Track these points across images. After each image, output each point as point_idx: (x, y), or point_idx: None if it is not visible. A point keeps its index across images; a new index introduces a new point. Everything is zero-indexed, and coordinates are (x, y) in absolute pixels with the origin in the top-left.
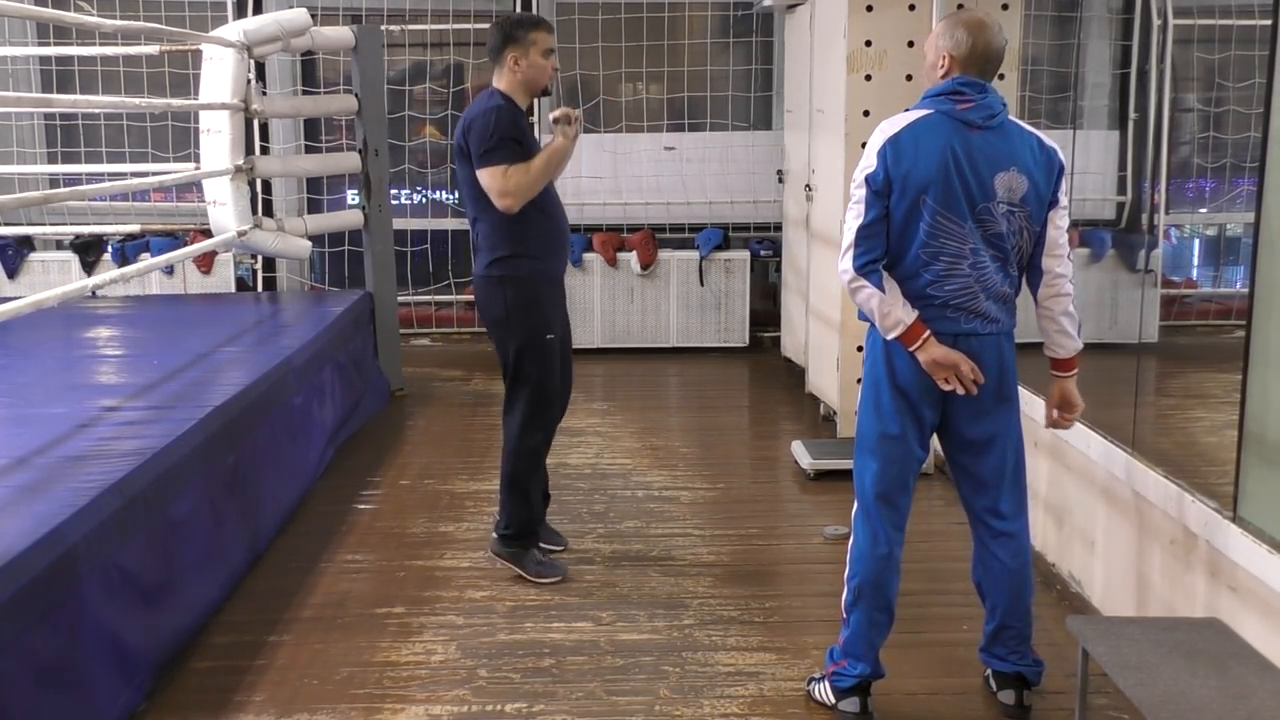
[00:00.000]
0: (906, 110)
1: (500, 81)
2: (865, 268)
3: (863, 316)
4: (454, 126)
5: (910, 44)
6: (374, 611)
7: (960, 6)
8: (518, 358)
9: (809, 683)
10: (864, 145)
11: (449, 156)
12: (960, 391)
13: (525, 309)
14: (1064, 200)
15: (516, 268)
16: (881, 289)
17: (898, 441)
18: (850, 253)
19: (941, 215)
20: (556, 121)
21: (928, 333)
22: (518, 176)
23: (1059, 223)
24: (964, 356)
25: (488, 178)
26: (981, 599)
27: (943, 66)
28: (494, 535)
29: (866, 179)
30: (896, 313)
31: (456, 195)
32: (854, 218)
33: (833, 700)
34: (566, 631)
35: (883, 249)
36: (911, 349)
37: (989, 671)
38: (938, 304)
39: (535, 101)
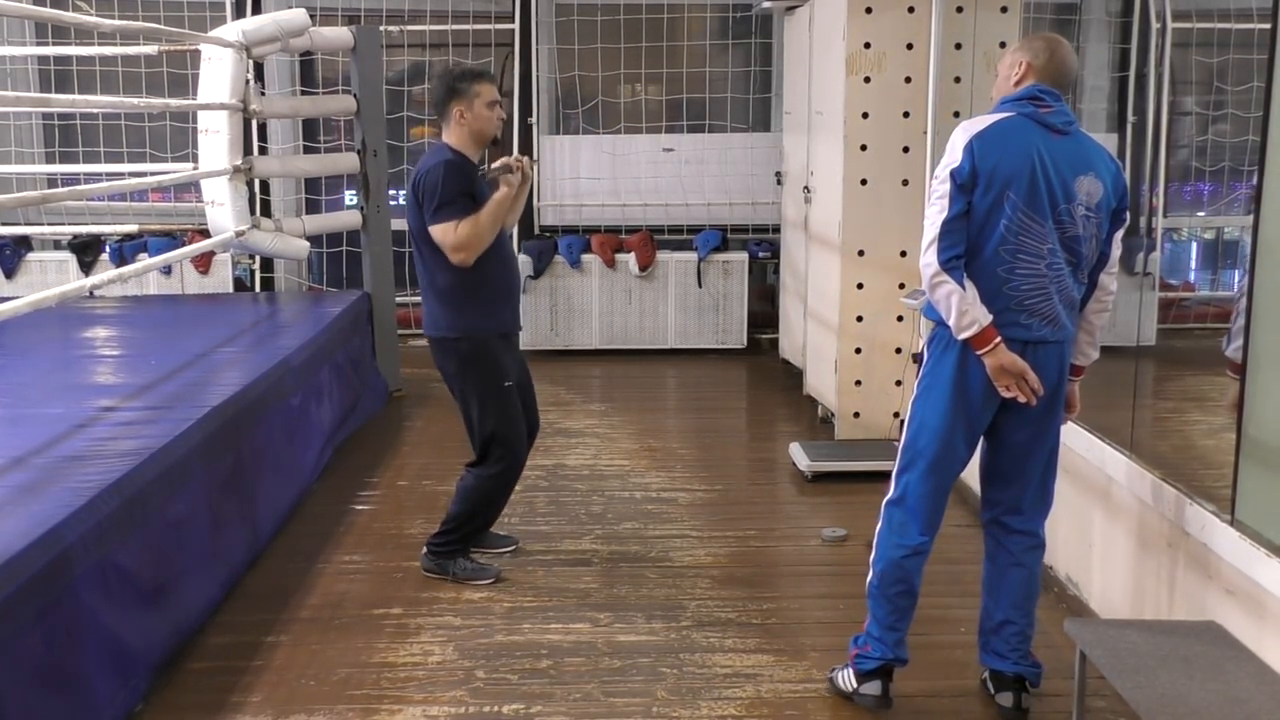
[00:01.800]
0: (987, 113)
1: (449, 135)
2: (949, 263)
3: (930, 314)
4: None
5: (909, 46)
6: (371, 612)
7: (960, 10)
8: (480, 410)
9: (831, 672)
10: (864, 148)
11: None
12: (1021, 399)
13: (479, 362)
14: (1128, 218)
15: (468, 325)
16: (963, 286)
17: (951, 443)
18: (934, 247)
19: (1023, 212)
20: (502, 170)
21: (999, 338)
22: (467, 230)
23: (1119, 241)
24: (1028, 366)
25: (440, 233)
26: (985, 595)
27: (1018, 72)
28: (424, 551)
29: (951, 174)
30: (974, 312)
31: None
32: (937, 212)
33: (854, 685)
34: (564, 633)
35: (964, 245)
36: (981, 352)
37: (986, 674)
38: (1013, 305)
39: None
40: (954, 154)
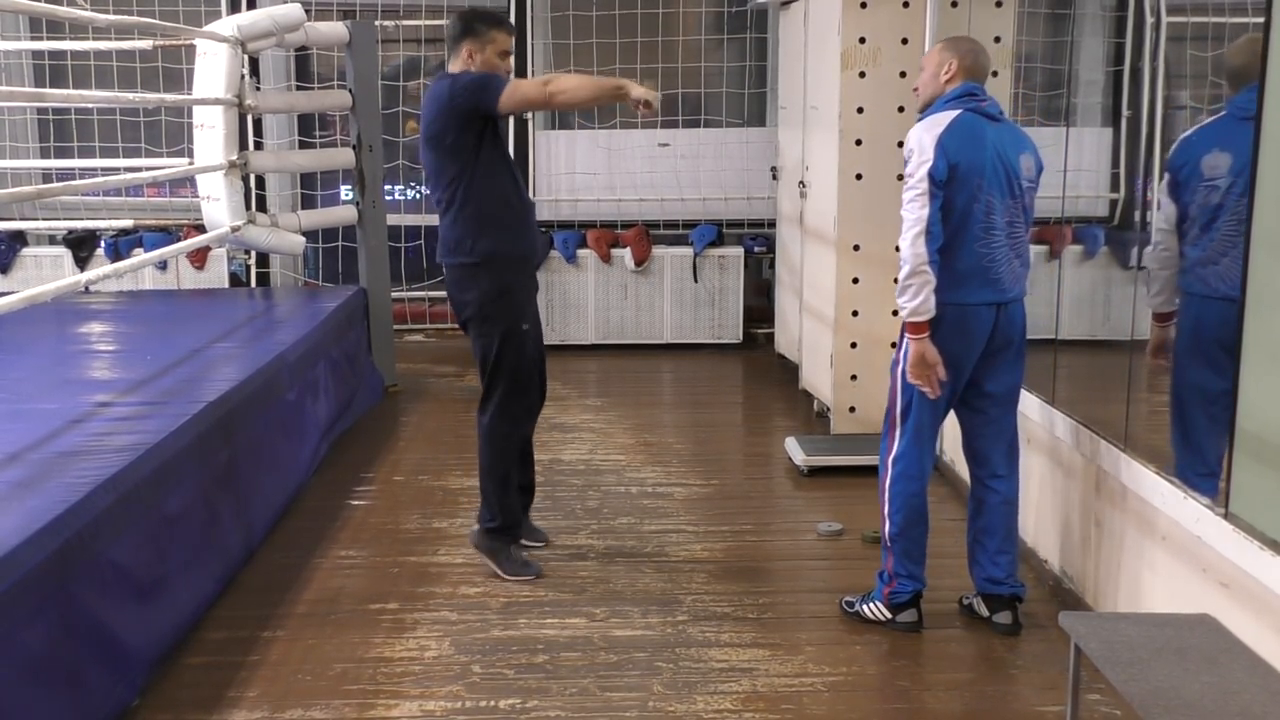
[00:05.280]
0: (934, 114)
1: (455, 69)
2: (933, 258)
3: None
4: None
5: (904, 41)
6: (368, 607)
7: (954, 5)
8: (497, 348)
9: (855, 605)
10: (858, 142)
11: None
12: (925, 389)
13: (499, 298)
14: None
15: (488, 254)
16: (934, 280)
17: (939, 401)
18: (923, 239)
19: (991, 195)
20: (644, 93)
21: (929, 332)
22: (566, 78)
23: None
24: (940, 361)
25: (519, 87)
26: (977, 536)
27: (948, 72)
28: (476, 527)
29: (929, 173)
30: (930, 303)
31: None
32: (920, 207)
33: (889, 615)
34: (560, 627)
35: (943, 239)
36: (914, 338)
37: (974, 600)
38: (990, 275)
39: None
40: (925, 154)
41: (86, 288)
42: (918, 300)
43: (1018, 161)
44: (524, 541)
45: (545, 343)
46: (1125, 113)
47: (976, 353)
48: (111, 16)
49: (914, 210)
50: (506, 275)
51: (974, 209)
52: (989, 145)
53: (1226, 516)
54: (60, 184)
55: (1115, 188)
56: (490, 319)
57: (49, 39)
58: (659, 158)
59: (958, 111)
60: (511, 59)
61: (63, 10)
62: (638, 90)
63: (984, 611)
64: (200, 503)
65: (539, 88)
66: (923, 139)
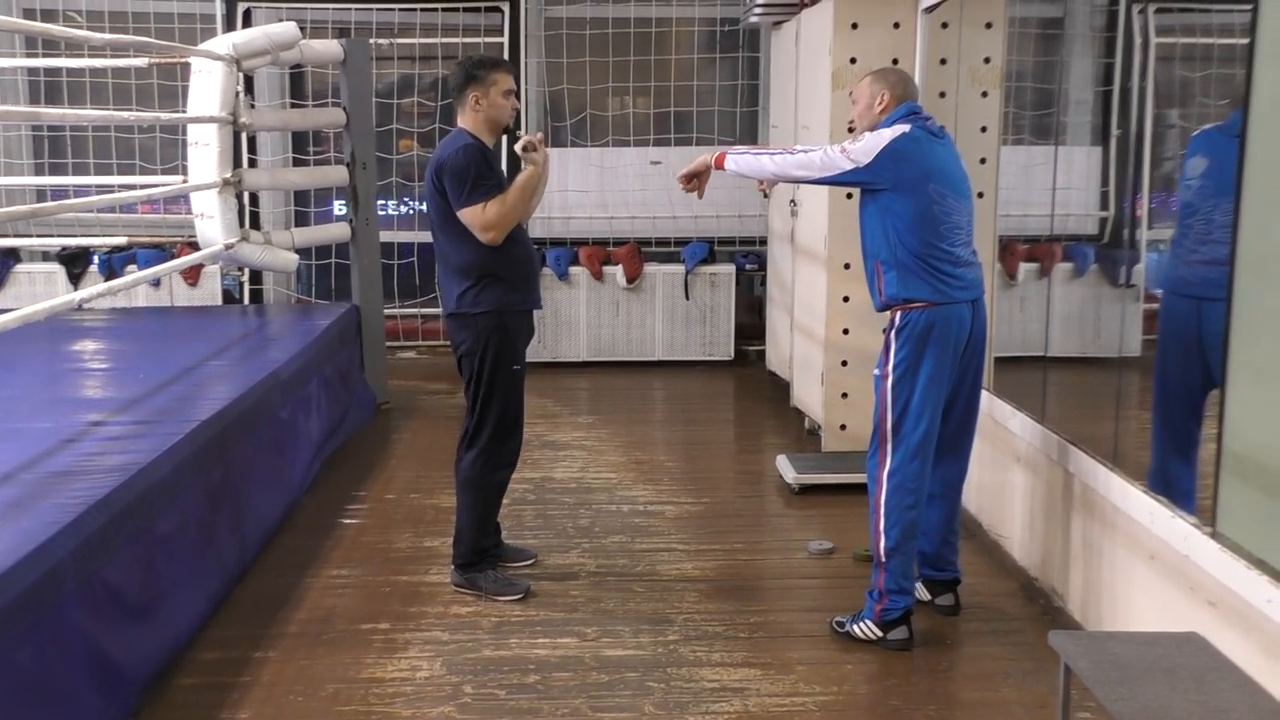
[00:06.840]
0: (883, 128)
1: (464, 121)
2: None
3: (896, 296)
4: (440, 140)
5: (895, 61)
6: (359, 627)
7: (944, 26)
8: (487, 389)
9: (846, 625)
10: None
11: None
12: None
13: (497, 340)
14: None
15: (490, 300)
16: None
17: (934, 417)
18: (852, 170)
19: (951, 198)
20: (524, 150)
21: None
22: (496, 209)
23: None
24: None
25: (469, 216)
26: (925, 528)
27: (881, 103)
28: (451, 567)
29: (870, 166)
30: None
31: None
32: (845, 159)
33: (879, 634)
34: (551, 647)
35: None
36: (717, 167)
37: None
38: (959, 273)
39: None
40: (880, 141)
41: (80, 305)
42: (763, 169)
43: (962, 168)
44: (509, 564)
45: (537, 360)
46: (1115, 132)
47: (960, 354)
48: (107, 35)
49: (837, 157)
50: (506, 322)
51: (934, 211)
52: (938, 153)
53: (1214, 535)
54: (54, 203)
55: (1105, 206)
56: (483, 359)
57: (44, 56)
58: (651, 175)
59: (907, 126)
60: (515, 97)
61: (58, 29)
62: (540, 156)
63: (925, 596)
64: (193, 522)
65: (482, 233)
66: (881, 133)
